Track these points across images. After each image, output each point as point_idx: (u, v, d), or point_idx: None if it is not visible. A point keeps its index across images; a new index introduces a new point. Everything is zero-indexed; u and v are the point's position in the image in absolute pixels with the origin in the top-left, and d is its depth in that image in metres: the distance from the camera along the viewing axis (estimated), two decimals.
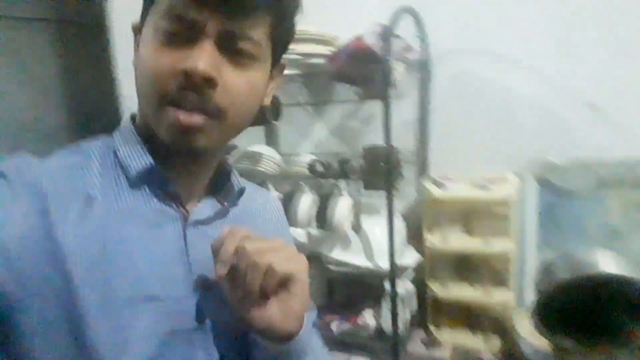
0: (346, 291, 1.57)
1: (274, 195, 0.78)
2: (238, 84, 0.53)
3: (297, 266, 0.53)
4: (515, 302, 1.35)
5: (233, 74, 0.53)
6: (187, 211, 0.59)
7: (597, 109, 1.25)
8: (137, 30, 0.57)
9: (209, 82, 0.50)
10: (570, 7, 1.26)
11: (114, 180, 0.55)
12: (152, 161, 0.55)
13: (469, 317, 1.41)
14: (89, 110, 2.10)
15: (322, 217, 1.22)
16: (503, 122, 1.37)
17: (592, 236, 1.31)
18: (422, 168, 1.48)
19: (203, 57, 0.50)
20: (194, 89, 0.50)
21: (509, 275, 1.32)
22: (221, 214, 0.62)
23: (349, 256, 1.31)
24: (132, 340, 0.51)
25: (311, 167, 1.23)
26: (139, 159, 0.55)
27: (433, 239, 1.35)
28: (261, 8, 0.52)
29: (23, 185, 0.50)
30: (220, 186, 0.64)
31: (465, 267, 1.38)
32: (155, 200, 0.56)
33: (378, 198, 1.36)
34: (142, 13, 0.56)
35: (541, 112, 1.32)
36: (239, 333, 0.62)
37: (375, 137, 1.49)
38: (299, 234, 1.36)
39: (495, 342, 1.36)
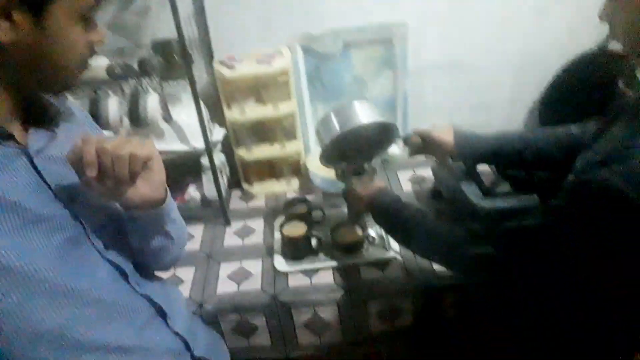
0: (168, 174, 1.73)
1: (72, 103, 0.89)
2: None
3: (150, 147, 0.72)
4: (304, 148, 1.75)
5: None
6: (23, 145, 0.67)
7: None
8: (17, 4, 0.57)
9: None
10: None
11: None
12: None
13: (272, 168, 1.76)
14: None
15: (134, 116, 1.31)
16: (267, 3, 1.58)
17: (345, 86, 1.74)
18: (208, 54, 1.63)
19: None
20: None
21: (295, 130, 1.68)
22: (52, 137, 0.72)
23: (165, 145, 1.46)
24: (39, 252, 0.64)
25: (110, 71, 1.27)
26: None
27: (232, 114, 1.59)
28: None
29: None
30: (36, 112, 0.72)
31: (262, 130, 1.68)
32: None
33: (176, 87, 1.50)
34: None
35: None
36: (109, 216, 0.80)
37: (155, 29, 1.56)
38: (111, 135, 1.43)
39: (295, 183, 1.77)
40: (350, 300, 1.29)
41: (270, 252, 1.44)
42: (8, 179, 0.63)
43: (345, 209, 1.47)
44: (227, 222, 1.59)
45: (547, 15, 1.66)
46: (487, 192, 1.31)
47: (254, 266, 1.40)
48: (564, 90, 1.74)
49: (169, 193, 0.80)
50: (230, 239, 1.53)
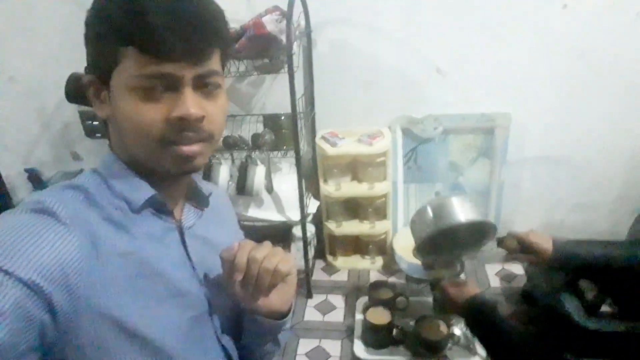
0: (258, 241, 1.79)
1: (217, 186, 0.96)
2: (217, 111, 0.64)
3: (291, 264, 0.75)
4: (392, 229, 1.74)
5: (211, 104, 0.63)
6: (177, 220, 0.72)
7: (444, 73, 1.61)
8: (94, 84, 0.63)
9: (199, 119, 0.60)
10: None
11: (119, 209, 0.64)
12: (153, 192, 0.65)
13: (358, 245, 1.77)
14: None
15: (241, 185, 1.39)
16: (374, 85, 1.64)
17: (440, 170, 1.74)
18: (311, 128, 1.71)
19: (190, 102, 0.59)
20: (189, 128, 0.61)
21: (387, 209, 1.69)
22: (199, 216, 0.77)
23: (263, 213, 1.52)
24: (170, 327, 0.66)
25: (225, 141, 1.36)
26: (140, 191, 0.65)
27: (328, 188, 1.63)
28: (215, 46, 0.62)
29: (72, 220, 0.57)
30: (191, 192, 0.77)
31: (354, 207, 1.71)
32: (155, 218, 0.68)
33: (277, 158, 1.58)
34: (103, 72, 0.61)
35: (403, 75, 1.61)
36: (235, 311, 0.83)
37: (267, 103, 1.67)
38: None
39: (379, 262, 1.76)
40: None
41: (350, 335, 1.42)
42: (162, 250, 0.67)
43: (430, 299, 1.43)
44: (310, 295, 1.60)
45: None
46: (590, 310, 1.22)
47: (333, 347, 1.39)
48: None
49: (293, 306, 0.83)
50: (311, 313, 1.54)
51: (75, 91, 1.38)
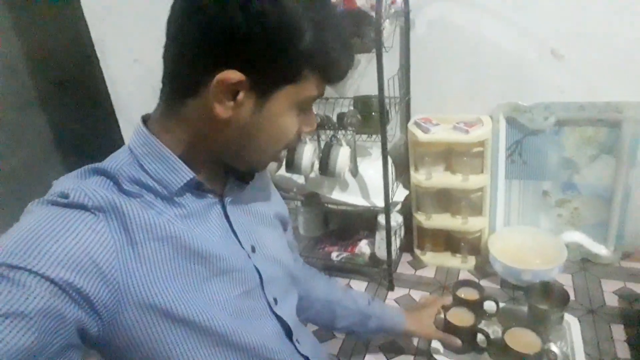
0: (342, 224, 1.77)
1: None
2: None
3: None
4: (488, 227, 1.58)
5: None
6: (219, 194, 0.70)
7: (560, 56, 1.41)
8: (242, 86, 0.58)
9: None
10: None
11: (153, 192, 0.62)
12: (192, 175, 0.63)
13: (449, 241, 1.64)
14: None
15: (324, 166, 1.36)
16: (475, 68, 1.50)
17: (551, 167, 1.53)
18: (406, 112, 1.62)
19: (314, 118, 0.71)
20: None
21: (483, 205, 1.54)
22: (241, 189, 0.74)
23: (347, 196, 1.48)
24: (218, 306, 0.65)
25: None
26: (179, 173, 0.63)
27: (418, 177, 1.53)
28: None
29: (100, 209, 0.56)
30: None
31: (446, 199, 1.58)
32: (194, 197, 0.66)
33: (368, 142, 1.52)
34: (268, 81, 0.59)
35: (510, 57, 1.45)
36: (284, 269, 0.80)
37: (361, 85, 1.62)
38: (299, 178, 1.53)
39: (471, 261, 1.61)
40: None
41: (428, 345, 1.31)
42: (204, 229, 0.66)
43: (524, 308, 1.27)
44: (391, 287, 1.52)
45: None
46: None
47: (408, 344, 1.30)
48: None
49: None
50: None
51: None
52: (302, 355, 0.81)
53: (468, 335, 1.22)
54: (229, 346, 0.66)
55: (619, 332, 1.27)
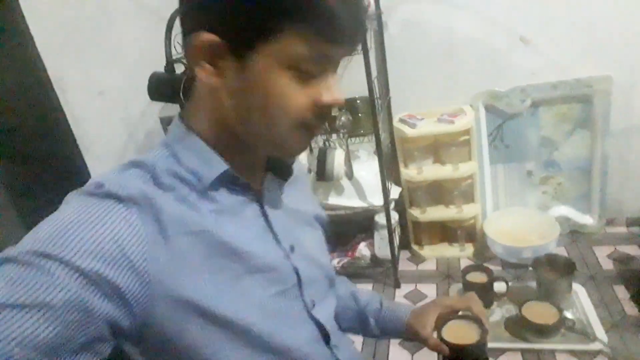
0: (338, 229, 1.75)
1: None
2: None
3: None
4: (482, 213, 1.63)
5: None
6: (257, 191, 0.67)
7: (528, 41, 1.49)
8: (215, 48, 0.56)
9: (340, 107, 0.62)
10: None
11: (188, 186, 0.59)
12: (227, 166, 0.60)
13: (445, 232, 1.67)
14: None
15: (321, 171, 1.36)
16: (450, 62, 1.55)
17: (531, 147, 1.60)
18: (387, 112, 1.65)
19: (339, 89, 0.56)
20: (330, 114, 0.60)
21: (474, 192, 1.58)
22: (279, 186, 0.71)
23: (344, 200, 1.48)
24: (252, 304, 0.62)
25: None
26: (213, 165, 0.60)
27: (409, 173, 1.56)
28: None
29: (135, 201, 0.54)
30: (273, 161, 0.71)
31: (438, 191, 1.61)
32: (230, 192, 0.63)
33: (355, 144, 1.53)
34: (242, 40, 0.56)
35: (482, 47, 1.51)
36: (323, 271, 0.77)
37: (342, 87, 1.63)
38: None
39: (469, 248, 1.64)
40: None
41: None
42: (239, 225, 0.63)
43: (532, 283, 1.30)
44: (397, 285, 1.52)
45: None
46: None
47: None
48: None
49: None
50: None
51: (154, 88, 1.45)
52: None
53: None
54: (262, 348, 0.62)
55: (622, 291, 1.33)
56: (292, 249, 0.71)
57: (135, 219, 0.53)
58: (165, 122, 1.88)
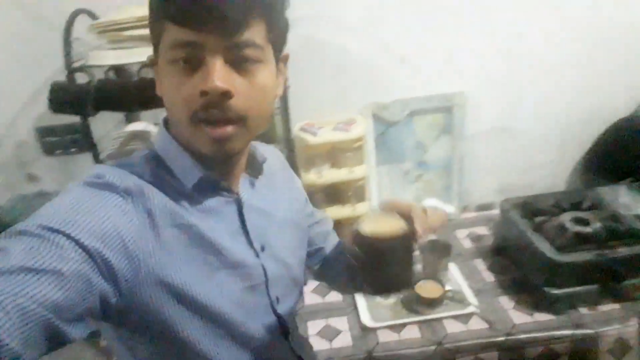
0: None
1: (273, 147, 0.96)
2: (251, 89, 0.60)
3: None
4: (370, 209, 1.86)
5: (244, 80, 0.60)
6: (234, 192, 0.75)
7: (405, 60, 1.75)
8: (154, 63, 0.67)
9: (226, 95, 0.57)
10: None
11: (175, 189, 0.68)
12: (202, 174, 0.69)
13: (341, 229, 1.86)
14: None
15: None
16: (344, 74, 1.74)
17: (408, 150, 1.89)
18: (286, 119, 1.77)
19: (215, 74, 0.56)
20: (215, 105, 0.58)
21: (365, 192, 1.81)
22: (253, 184, 0.80)
23: None
24: (224, 295, 0.71)
25: None
26: (191, 172, 0.68)
27: (311, 177, 1.71)
28: (255, 16, 0.58)
29: (130, 193, 0.61)
30: (249, 161, 0.79)
31: (334, 193, 1.80)
32: (213, 194, 0.72)
33: None
34: (154, 49, 0.65)
35: (370, 65, 1.72)
36: (288, 270, 0.85)
37: None
38: None
39: None
40: (440, 353, 1.36)
41: (354, 309, 1.51)
42: (219, 224, 0.71)
43: (419, 266, 1.57)
44: (304, 282, 1.66)
45: (588, 86, 1.85)
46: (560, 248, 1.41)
47: (341, 323, 1.47)
48: (604, 153, 1.90)
49: None
50: (311, 297, 1.60)
51: (58, 99, 1.34)
52: (296, 355, 0.90)
53: None
54: (230, 335, 0.71)
55: (480, 264, 1.68)
56: (262, 248, 0.80)
57: (130, 209, 0.60)
58: (44, 132, 1.71)
